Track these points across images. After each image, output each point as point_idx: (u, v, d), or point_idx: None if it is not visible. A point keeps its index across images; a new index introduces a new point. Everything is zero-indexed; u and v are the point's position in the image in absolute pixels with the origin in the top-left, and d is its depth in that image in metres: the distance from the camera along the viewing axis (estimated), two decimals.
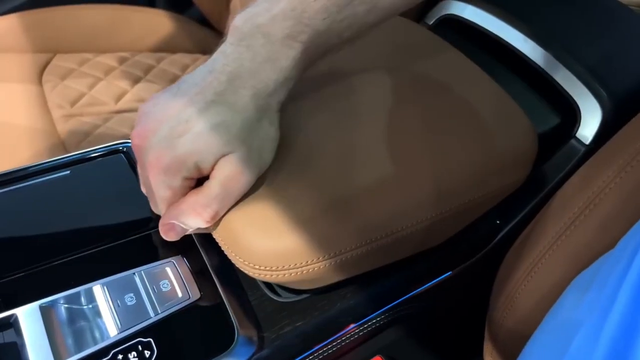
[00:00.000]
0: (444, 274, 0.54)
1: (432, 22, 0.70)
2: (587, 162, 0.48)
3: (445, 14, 0.69)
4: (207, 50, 1.17)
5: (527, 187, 0.57)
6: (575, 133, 0.57)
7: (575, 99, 0.57)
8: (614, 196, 0.43)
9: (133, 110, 0.96)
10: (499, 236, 0.56)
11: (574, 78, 0.58)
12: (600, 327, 0.31)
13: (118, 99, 0.97)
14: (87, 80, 0.98)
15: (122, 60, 1.05)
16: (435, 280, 0.54)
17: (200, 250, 0.50)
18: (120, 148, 0.58)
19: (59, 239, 0.49)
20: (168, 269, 0.48)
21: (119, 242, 0.49)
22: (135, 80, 1.01)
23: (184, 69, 1.08)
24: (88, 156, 0.57)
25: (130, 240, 0.50)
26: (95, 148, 0.58)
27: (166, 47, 1.13)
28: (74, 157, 0.57)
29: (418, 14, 0.73)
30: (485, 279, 0.57)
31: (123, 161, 0.57)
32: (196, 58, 1.13)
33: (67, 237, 0.49)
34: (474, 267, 0.56)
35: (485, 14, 0.64)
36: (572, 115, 0.58)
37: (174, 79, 1.05)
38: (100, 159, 0.57)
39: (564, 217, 0.46)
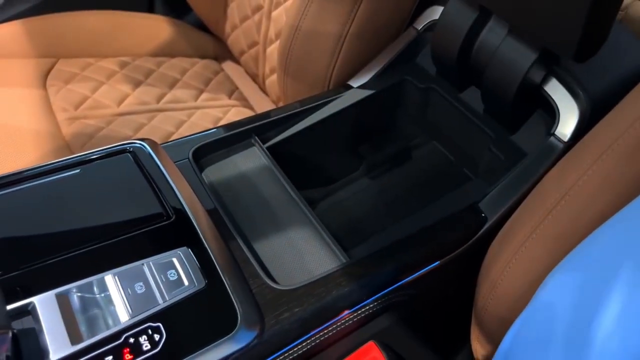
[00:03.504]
0: (432, 263, 0.58)
1: (420, 27, 0.74)
2: (564, 157, 0.52)
3: (434, 20, 0.72)
4: (205, 54, 1.20)
5: (510, 182, 0.61)
6: (554, 131, 0.61)
7: (554, 98, 0.61)
8: (588, 186, 0.46)
9: (135, 112, 0.99)
10: (484, 228, 0.60)
11: (553, 79, 0.61)
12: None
13: (120, 102, 1.00)
14: (90, 84, 1.01)
15: (123, 65, 1.08)
16: (424, 270, 0.57)
17: (205, 242, 0.53)
18: (127, 148, 0.61)
19: (72, 233, 0.53)
20: (175, 260, 0.51)
21: (129, 235, 0.53)
22: (136, 84, 1.05)
23: (183, 72, 1.12)
24: (97, 156, 0.60)
25: (139, 233, 0.53)
26: (103, 148, 0.61)
27: (166, 52, 1.16)
28: (83, 157, 0.60)
29: (409, 19, 0.76)
30: (472, 269, 0.60)
31: (130, 160, 0.60)
32: (195, 62, 1.16)
33: (80, 231, 0.53)
34: (460, 257, 0.60)
35: None
36: (551, 115, 0.62)
37: (173, 82, 1.08)
38: (108, 158, 0.60)
39: (542, 208, 0.50)
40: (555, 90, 0.61)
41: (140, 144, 0.63)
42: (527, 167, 0.60)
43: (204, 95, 1.08)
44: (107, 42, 1.11)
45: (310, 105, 0.71)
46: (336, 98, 0.72)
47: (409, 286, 0.57)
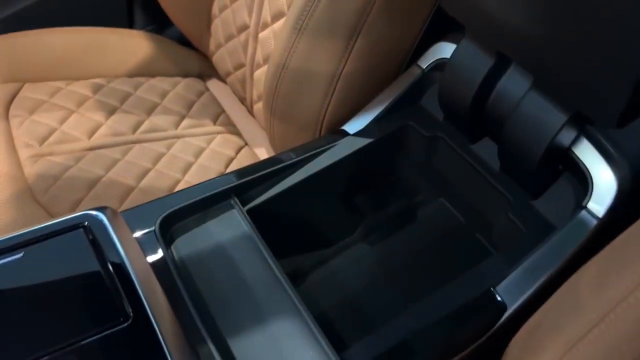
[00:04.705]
0: None
1: (426, 66, 0.64)
2: (605, 252, 0.43)
3: (441, 58, 0.63)
4: (189, 72, 1.10)
5: (534, 263, 0.52)
6: (586, 204, 0.51)
7: (586, 164, 0.51)
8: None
9: (108, 146, 0.90)
10: (504, 317, 0.51)
11: (584, 140, 0.52)
12: None
13: (91, 133, 0.91)
14: (58, 113, 0.92)
15: (96, 89, 0.98)
16: None
17: (168, 355, 0.44)
18: (80, 223, 0.52)
19: (1, 345, 0.43)
20: None
21: (73, 346, 0.43)
22: (111, 112, 0.95)
23: (164, 95, 1.02)
24: (43, 233, 0.51)
25: (87, 343, 0.44)
26: (51, 223, 0.52)
27: (144, 71, 1.06)
28: (27, 235, 0.50)
29: (410, 56, 0.67)
30: None
31: (83, 238, 0.51)
32: (177, 82, 1.06)
33: (10, 344, 0.43)
34: (474, 353, 0.50)
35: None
36: (581, 181, 0.52)
37: (152, 108, 0.99)
38: (58, 237, 0.51)
39: (580, 321, 0.40)
40: (587, 154, 0.52)
41: (96, 214, 0.53)
42: (555, 246, 0.51)
43: (185, 122, 0.99)
44: (79, 63, 1.01)
45: (299, 158, 0.62)
46: (329, 147, 0.63)
47: None
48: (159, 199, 0.58)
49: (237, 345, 0.48)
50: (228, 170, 0.91)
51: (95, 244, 0.51)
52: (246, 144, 0.98)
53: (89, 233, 0.52)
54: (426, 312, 0.51)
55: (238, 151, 0.96)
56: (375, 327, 0.50)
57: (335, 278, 0.59)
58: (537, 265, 0.51)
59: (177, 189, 0.85)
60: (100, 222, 0.53)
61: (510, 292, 0.51)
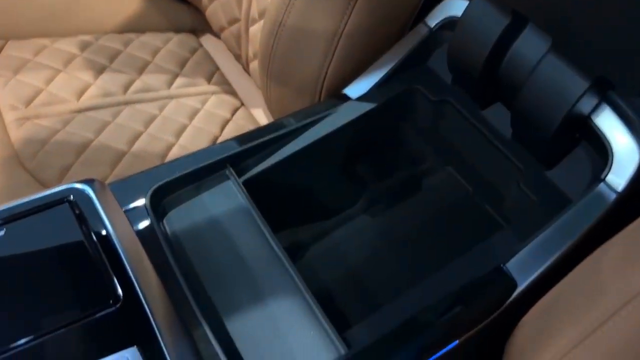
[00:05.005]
0: (449, 344, 0.47)
1: (434, 25, 0.60)
2: (629, 229, 0.40)
3: (451, 16, 0.58)
4: (181, 27, 1.05)
5: (547, 239, 0.49)
6: (605, 176, 0.48)
7: (606, 134, 0.48)
8: None
9: (97, 107, 0.86)
10: (514, 295, 0.48)
11: (606, 108, 0.48)
12: None
13: (80, 94, 0.86)
14: (44, 73, 0.87)
15: (84, 46, 0.93)
16: (438, 354, 0.46)
17: (160, 339, 0.41)
18: (65, 197, 0.49)
19: None
20: None
21: (58, 332, 0.41)
22: (100, 70, 0.90)
23: (155, 52, 0.97)
24: (26, 209, 0.48)
25: (73, 329, 0.41)
26: (34, 197, 0.49)
27: (134, 27, 1.01)
28: (7, 211, 0.47)
29: (416, 13, 0.62)
30: (494, 342, 0.49)
31: (68, 214, 0.48)
32: (169, 37, 1.01)
33: None
34: (482, 332, 0.48)
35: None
36: (600, 152, 0.49)
37: (143, 66, 0.94)
38: (42, 213, 0.48)
39: (601, 306, 0.38)
40: (608, 123, 0.48)
41: (83, 188, 0.50)
42: (570, 221, 0.48)
43: (179, 80, 0.94)
44: (65, 18, 0.96)
45: (298, 125, 0.58)
46: (329, 113, 0.59)
47: None
48: (150, 169, 0.55)
49: (232, 325, 0.46)
50: (224, 133, 0.88)
51: (81, 220, 0.48)
52: (242, 104, 0.94)
53: (75, 208, 0.48)
54: (432, 288, 0.48)
55: (234, 112, 0.92)
56: (378, 305, 0.48)
57: (337, 253, 0.56)
58: (551, 240, 0.48)
59: (170, 153, 0.82)
60: (87, 196, 0.49)
61: (522, 269, 0.49)
